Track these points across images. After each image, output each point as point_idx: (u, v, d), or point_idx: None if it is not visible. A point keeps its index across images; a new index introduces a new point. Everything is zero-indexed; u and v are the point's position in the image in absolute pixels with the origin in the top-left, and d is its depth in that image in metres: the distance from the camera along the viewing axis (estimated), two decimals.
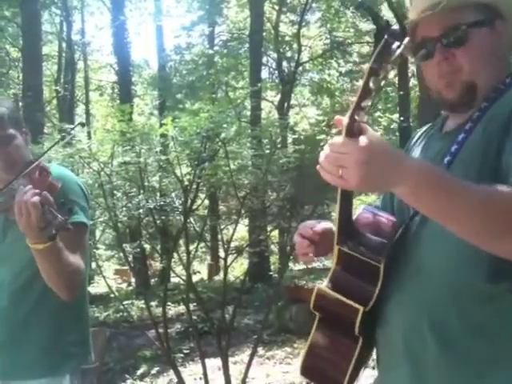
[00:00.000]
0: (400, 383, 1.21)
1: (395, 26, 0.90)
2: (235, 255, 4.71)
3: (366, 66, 0.92)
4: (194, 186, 3.55)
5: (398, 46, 0.89)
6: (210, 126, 3.29)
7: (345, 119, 0.95)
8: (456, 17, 1.20)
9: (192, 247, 4.74)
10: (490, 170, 1.10)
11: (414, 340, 1.18)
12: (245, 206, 3.94)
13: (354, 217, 1.28)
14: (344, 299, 1.22)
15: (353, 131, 0.95)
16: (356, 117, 0.94)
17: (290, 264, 13.96)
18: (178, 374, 3.82)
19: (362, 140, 0.94)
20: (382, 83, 0.91)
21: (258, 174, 3.84)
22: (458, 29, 1.20)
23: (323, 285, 1.27)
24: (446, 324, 1.14)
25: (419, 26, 1.26)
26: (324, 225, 1.37)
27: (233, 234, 3.87)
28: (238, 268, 13.60)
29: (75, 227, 1.74)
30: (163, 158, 3.47)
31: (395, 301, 1.22)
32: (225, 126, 3.50)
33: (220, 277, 13.14)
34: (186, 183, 3.54)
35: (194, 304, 8.51)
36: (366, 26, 15.21)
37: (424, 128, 1.43)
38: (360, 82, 0.94)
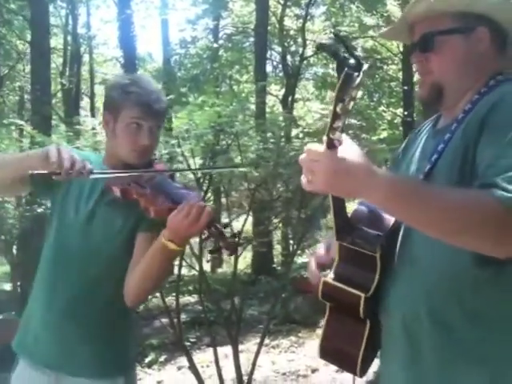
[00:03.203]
0: (399, 365, 1.32)
1: (352, 60, 1.05)
2: (244, 246, 4.81)
3: (332, 95, 1.10)
4: (208, 177, 3.66)
5: (357, 75, 1.01)
6: (223, 120, 3.40)
7: (324, 137, 1.05)
8: (432, 24, 1.34)
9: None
10: (469, 167, 1.20)
11: (412, 325, 1.28)
12: (254, 198, 4.04)
13: (352, 211, 1.41)
14: (347, 288, 1.35)
15: (333, 145, 1.05)
16: (331, 136, 1.04)
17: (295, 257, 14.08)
18: (190, 359, 3.94)
19: (335, 152, 1.05)
20: (351, 105, 1.03)
21: (268, 166, 3.94)
22: (429, 36, 1.34)
23: (328, 276, 1.41)
24: (442, 309, 1.23)
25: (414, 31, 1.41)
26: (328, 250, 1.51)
27: (244, 225, 3.97)
28: (242, 261, 13.71)
29: None
30: (178, 150, 3.58)
31: (393, 288, 1.33)
32: (237, 121, 3.61)
33: (223, 269, 13.26)
34: (199, 175, 3.66)
35: (200, 295, 8.64)
36: (371, 20, 15.22)
37: (422, 126, 1.55)
38: (331, 108, 1.06)
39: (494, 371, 1.19)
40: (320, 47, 13.07)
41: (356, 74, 1.00)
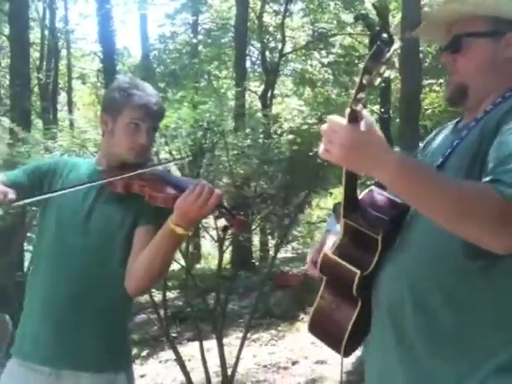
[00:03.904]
0: (387, 343, 1.35)
1: (385, 35, 1.07)
2: (229, 241, 4.90)
3: (361, 66, 1.10)
4: (195, 174, 3.73)
5: (388, 51, 1.04)
6: (210, 119, 3.49)
7: (347, 109, 1.09)
8: (464, 26, 1.37)
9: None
10: (479, 165, 1.24)
11: (396, 308, 1.32)
12: (239, 194, 4.14)
13: (362, 194, 1.44)
14: (345, 263, 1.38)
15: (355, 118, 1.09)
16: (354, 107, 1.08)
17: (271, 252, 14.22)
18: (176, 352, 4.03)
19: (355, 126, 1.09)
20: (378, 81, 1.07)
21: (252, 164, 4.03)
22: (457, 37, 1.38)
23: (329, 250, 1.44)
24: (425, 295, 1.27)
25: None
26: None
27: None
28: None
29: None
30: (167, 148, 3.65)
31: (386, 270, 1.36)
32: (223, 119, 3.70)
33: (201, 265, 13.32)
34: (187, 171, 3.73)
35: (186, 290, 8.69)
36: (349, 17, 15.39)
37: (444, 125, 1.57)
38: (357, 79, 1.10)
39: (472, 360, 1.22)
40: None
41: (387, 49, 1.04)
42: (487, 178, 1.17)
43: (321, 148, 1.14)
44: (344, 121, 1.10)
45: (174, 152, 3.82)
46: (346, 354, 1.45)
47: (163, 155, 4.01)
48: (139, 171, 1.79)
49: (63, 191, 1.79)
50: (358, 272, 1.35)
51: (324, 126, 1.13)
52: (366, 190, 1.47)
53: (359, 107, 1.08)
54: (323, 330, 1.50)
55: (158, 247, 1.71)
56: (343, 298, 1.42)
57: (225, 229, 1.71)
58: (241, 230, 1.73)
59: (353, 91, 1.09)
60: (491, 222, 1.11)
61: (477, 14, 1.36)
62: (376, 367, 1.44)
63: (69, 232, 1.84)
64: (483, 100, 1.37)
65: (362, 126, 1.09)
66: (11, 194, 1.68)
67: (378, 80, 1.07)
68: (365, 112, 1.10)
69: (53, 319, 1.79)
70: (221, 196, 1.63)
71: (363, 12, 13.56)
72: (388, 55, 1.04)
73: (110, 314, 1.83)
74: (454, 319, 1.25)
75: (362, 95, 1.07)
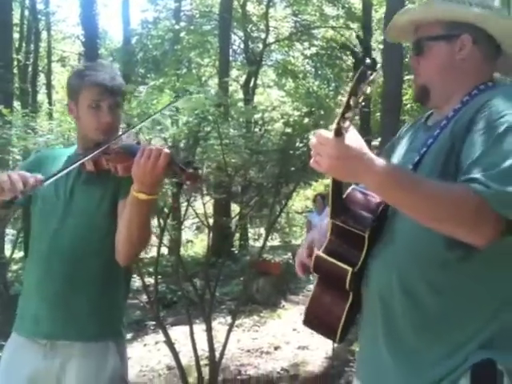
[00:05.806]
0: (376, 331, 1.46)
1: (368, 60, 1.18)
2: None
3: (347, 88, 1.18)
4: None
5: (371, 74, 1.12)
6: (205, 108, 3.57)
7: (334, 125, 1.15)
8: (426, 31, 1.48)
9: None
10: (453, 162, 1.33)
11: (385, 294, 1.42)
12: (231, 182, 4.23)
13: (346, 193, 1.53)
14: (337, 262, 1.48)
15: (340, 132, 1.16)
16: (341, 124, 1.14)
17: (251, 242, 14.39)
18: (166, 335, 4.14)
19: (341, 139, 1.16)
20: (361, 99, 1.12)
21: (243, 153, 4.12)
22: (418, 41, 1.50)
23: (320, 251, 1.53)
24: (410, 282, 1.37)
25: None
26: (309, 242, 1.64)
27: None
28: (199, 244, 13.91)
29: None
30: (162, 135, 3.72)
31: (374, 265, 1.46)
32: (218, 110, 3.78)
33: (182, 252, 13.38)
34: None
35: (160, 277, 8.76)
36: (332, 10, 15.50)
37: (414, 121, 1.66)
38: (343, 99, 1.15)
39: (452, 343, 1.33)
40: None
41: (369, 72, 1.12)
42: (463, 178, 1.25)
43: (312, 160, 1.22)
44: (330, 134, 1.17)
45: (169, 139, 3.88)
46: (341, 341, 1.57)
47: (156, 141, 4.06)
48: (102, 148, 1.83)
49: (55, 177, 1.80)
50: (350, 269, 1.45)
51: (313, 140, 1.21)
52: (349, 189, 1.56)
53: (346, 124, 1.15)
54: (318, 322, 1.61)
55: (130, 215, 1.78)
56: (336, 292, 1.52)
57: (178, 186, 1.70)
58: (195, 184, 1.72)
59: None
60: (468, 219, 1.21)
61: (430, 20, 1.46)
62: (366, 354, 1.55)
63: (53, 216, 1.95)
64: (448, 100, 1.47)
65: (347, 138, 1.17)
66: (39, 175, 1.74)
67: (362, 98, 1.14)
68: (350, 126, 1.17)
69: (48, 297, 1.91)
70: (170, 154, 1.65)
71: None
72: (372, 77, 1.13)
73: (99, 286, 1.93)
74: (437, 304, 1.35)
75: (349, 114, 1.13)
